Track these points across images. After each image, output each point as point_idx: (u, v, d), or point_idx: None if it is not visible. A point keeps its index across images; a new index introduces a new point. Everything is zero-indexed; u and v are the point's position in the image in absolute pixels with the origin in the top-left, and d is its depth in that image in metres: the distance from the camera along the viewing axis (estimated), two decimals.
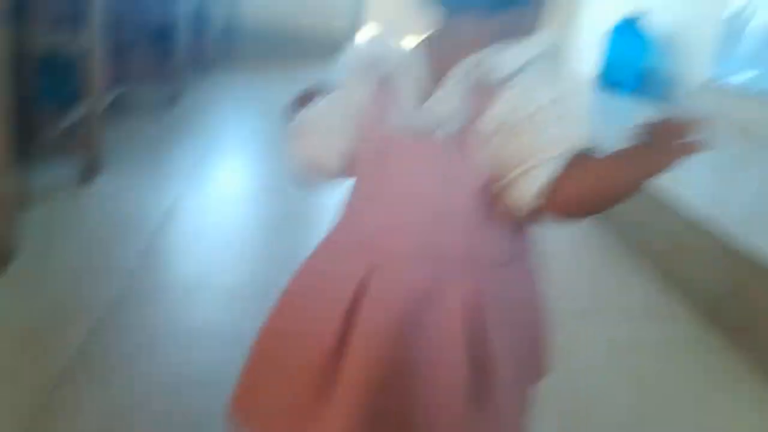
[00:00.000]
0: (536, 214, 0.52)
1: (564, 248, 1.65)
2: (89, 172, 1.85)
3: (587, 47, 4.71)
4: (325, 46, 4.87)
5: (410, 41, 0.58)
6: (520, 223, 0.57)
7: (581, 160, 0.50)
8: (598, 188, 0.50)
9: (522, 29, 0.54)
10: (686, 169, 0.54)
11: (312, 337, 0.58)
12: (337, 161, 0.61)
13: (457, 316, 0.55)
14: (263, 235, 1.77)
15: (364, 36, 0.59)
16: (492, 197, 0.54)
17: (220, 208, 1.89)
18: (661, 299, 1.51)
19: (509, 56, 0.52)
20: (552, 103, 0.51)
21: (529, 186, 0.50)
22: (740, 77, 2.92)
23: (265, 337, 0.64)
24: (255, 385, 0.64)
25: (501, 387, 0.57)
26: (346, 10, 4.86)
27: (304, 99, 0.65)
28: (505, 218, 0.55)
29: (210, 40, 3.61)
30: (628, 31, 3.84)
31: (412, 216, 0.56)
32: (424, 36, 0.58)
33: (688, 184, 1.72)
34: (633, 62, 3.85)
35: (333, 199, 0.68)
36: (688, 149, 0.49)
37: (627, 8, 3.94)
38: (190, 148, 2.33)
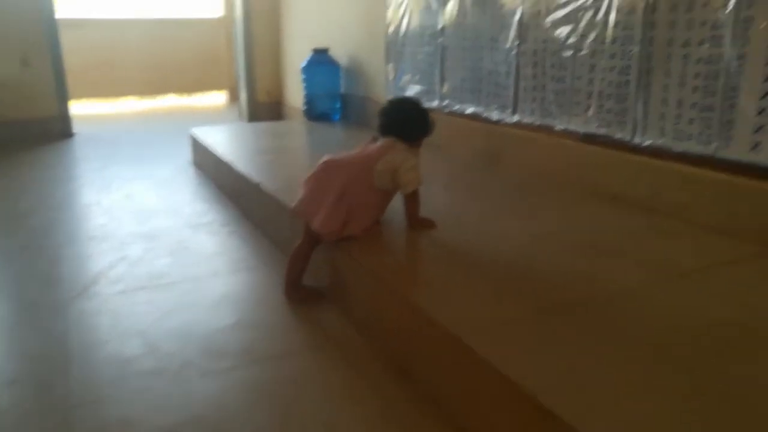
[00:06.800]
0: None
1: None
2: None
3: (293, 85, 4.94)
4: (38, 134, 4.49)
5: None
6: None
7: (414, 196, 1.82)
8: (412, 202, 1.83)
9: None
10: None
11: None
12: None
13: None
14: None
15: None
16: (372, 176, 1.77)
17: None
18: None
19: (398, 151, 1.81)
20: (402, 160, 1.77)
21: (404, 188, 1.78)
22: (410, 91, 3.28)
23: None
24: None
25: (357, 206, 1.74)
26: (49, 93, 4.54)
27: None
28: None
29: None
30: (319, 64, 4.10)
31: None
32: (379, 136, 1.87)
33: None
34: (330, 92, 4.11)
35: None
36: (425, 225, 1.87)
37: (314, 43, 4.21)
38: None
